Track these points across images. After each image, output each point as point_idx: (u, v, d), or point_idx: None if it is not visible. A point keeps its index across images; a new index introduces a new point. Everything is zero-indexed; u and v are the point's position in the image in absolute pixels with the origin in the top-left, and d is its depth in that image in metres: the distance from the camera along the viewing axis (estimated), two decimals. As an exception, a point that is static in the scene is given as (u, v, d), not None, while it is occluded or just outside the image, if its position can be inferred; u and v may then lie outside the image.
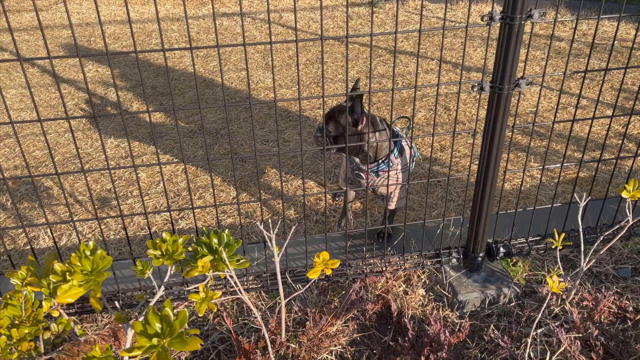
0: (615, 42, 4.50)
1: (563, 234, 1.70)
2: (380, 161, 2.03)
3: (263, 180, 2.87)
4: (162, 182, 1.54)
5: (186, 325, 1.86)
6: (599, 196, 2.54)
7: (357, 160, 2.08)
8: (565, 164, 1.89)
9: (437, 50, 4.62)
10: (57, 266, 1.36)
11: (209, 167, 1.76)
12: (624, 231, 1.69)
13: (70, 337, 1.59)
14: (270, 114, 3.61)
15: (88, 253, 1.40)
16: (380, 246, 2.14)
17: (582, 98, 3.62)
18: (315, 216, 2.55)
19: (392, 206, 2.17)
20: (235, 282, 1.49)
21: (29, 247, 2.43)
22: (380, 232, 2.21)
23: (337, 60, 4.55)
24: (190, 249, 1.50)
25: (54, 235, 2.51)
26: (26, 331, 1.36)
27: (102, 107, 3.87)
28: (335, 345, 1.73)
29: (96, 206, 2.70)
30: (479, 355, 1.71)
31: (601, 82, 2.16)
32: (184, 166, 1.56)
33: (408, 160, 2.10)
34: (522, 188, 2.69)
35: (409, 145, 2.07)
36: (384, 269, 1.95)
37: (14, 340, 1.35)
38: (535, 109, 3.36)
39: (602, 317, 1.78)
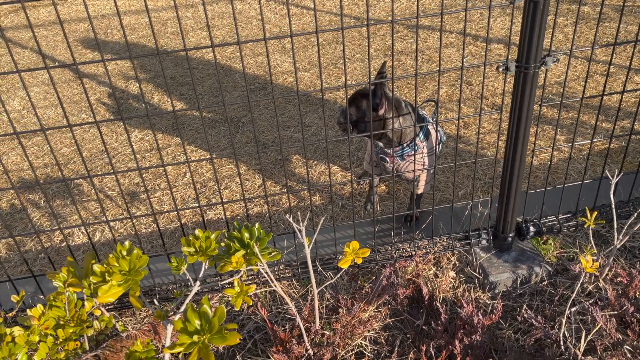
0: (642, 3, 4.34)
1: (595, 212, 1.67)
2: (405, 145, 2.02)
3: (287, 167, 2.88)
4: (190, 175, 1.56)
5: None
6: (631, 168, 2.49)
7: (380, 144, 2.07)
8: (595, 140, 1.85)
9: (456, 22, 4.52)
10: (96, 267, 1.40)
11: (234, 157, 1.77)
12: (659, 206, 1.66)
13: (112, 333, 1.64)
14: (290, 99, 3.60)
15: (125, 253, 1.44)
16: (409, 230, 2.14)
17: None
18: (340, 201, 2.56)
19: (419, 190, 2.16)
20: (268, 274, 1.51)
21: (64, 244, 2.50)
22: (407, 216, 2.21)
23: (354, 39, 4.49)
24: (222, 243, 1.53)
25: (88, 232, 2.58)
26: (71, 331, 1.42)
27: (125, 101, 3.92)
28: (369, 331, 1.76)
29: (126, 201, 2.76)
30: (513, 335, 1.72)
31: (632, 51, 2.09)
32: (210, 159, 1.57)
33: (434, 144, 2.08)
34: (551, 163, 2.65)
35: (436, 128, 2.05)
36: (413, 253, 1.96)
37: (60, 340, 1.40)
38: (561, 79, 3.28)
39: (638, 293, 1.76)
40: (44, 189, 2.02)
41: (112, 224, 2.59)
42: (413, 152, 1.94)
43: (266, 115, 3.45)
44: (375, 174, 2.23)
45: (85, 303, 1.46)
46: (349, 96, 1.97)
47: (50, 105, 3.99)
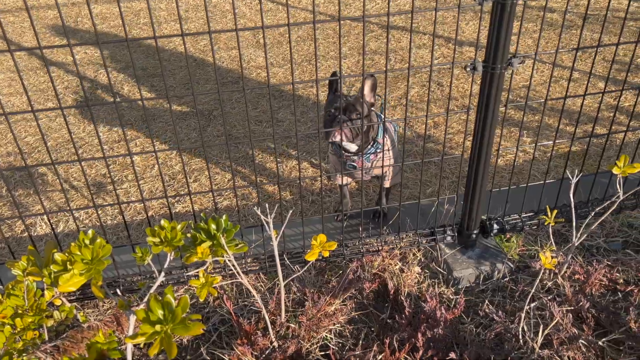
0: (608, 12, 4.48)
1: (556, 211, 1.72)
2: (369, 146, 2.04)
3: (258, 162, 2.88)
4: (157, 167, 1.54)
5: (188, 309, 1.89)
6: (591, 170, 2.57)
7: (351, 147, 2.04)
8: (558, 141, 1.91)
9: (429, 24, 4.58)
10: (58, 256, 1.38)
11: (203, 150, 1.76)
12: (615, 206, 1.72)
13: (73, 324, 1.62)
14: (263, 94, 3.59)
15: (88, 242, 1.42)
16: (376, 226, 2.17)
17: (574, 71, 3.62)
18: (311, 197, 2.57)
19: (388, 184, 2.19)
20: (234, 266, 1.51)
21: (26, 234, 2.44)
22: (376, 212, 2.24)
23: (329, 37, 4.50)
24: (189, 234, 1.52)
25: (52, 222, 2.52)
26: (30, 320, 1.39)
27: (93, 91, 3.84)
28: (334, 324, 1.77)
29: (92, 191, 2.70)
30: (474, 330, 1.76)
31: (593, 55, 2.17)
32: (178, 150, 1.56)
33: (394, 137, 2.12)
34: (515, 163, 2.72)
35: (380, 121, 2.09)
36: (380, 248, 1.98)
37: (18, 330, 1.37)
38: (527, 83, 3.35)
39: (594, 289, 1.83)
40: (5, 176, 1.97)
41: (77, 215, 2.54)
42: (377, 150, 1.98)
43: (238, 109, 3.43)
44: (345, 182, 2.25)
45: (45, 292, 1.43)
46: (344, 103, 1.97)
47: (15, 93, 3.88)
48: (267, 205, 1.49)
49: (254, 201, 2.56)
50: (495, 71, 1.61)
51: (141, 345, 1.65)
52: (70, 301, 1.88)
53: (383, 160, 1.84)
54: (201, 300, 1.52)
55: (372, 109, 2.05)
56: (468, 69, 1.63)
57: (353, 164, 2.07)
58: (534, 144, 1.84)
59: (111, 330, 1.53)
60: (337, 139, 1.93)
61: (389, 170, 2.15)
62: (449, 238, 2.01)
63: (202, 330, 1.23)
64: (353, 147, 2.04)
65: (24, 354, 1.39)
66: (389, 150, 2.08)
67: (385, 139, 2.07)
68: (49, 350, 1.44)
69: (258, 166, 2.84)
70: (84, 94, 1.41)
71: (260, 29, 1.37)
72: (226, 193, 2.62)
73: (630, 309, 1.70)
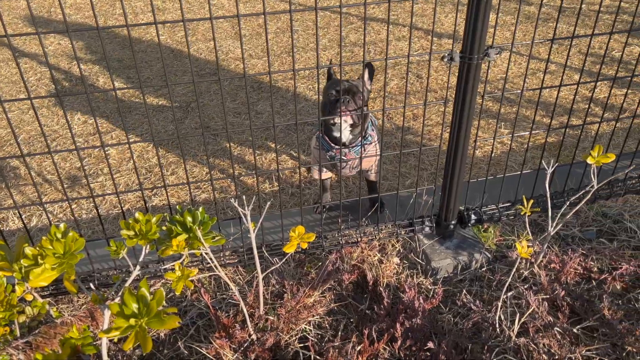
0: (583, 5, 4.53)
1: (532, 200, 1.74)
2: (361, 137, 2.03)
3: (237, 154, 2.85)
4: (132, 160, 1.51)
5: (164, 303, 1.87)
6: (567, 161, 2.61)
7: (345, 137, 2.01)
8: (534, 132, 1.93)
9: (409, 16, 4.58)
10: (28, 250, 1.34)
11: (179, 143, 1.74)
12: (590, 195, 1.75)
13: (46, 320, 1.58)
14: (242, 85, 3.56)
15: (59, 236, 1.39)
16: (355, 217, 2.16)
17: (550, 63, 3.66)
18: (290, 189, 2.56)
19: (374, 177, 2.18)
20: (211, 259, 1.49)
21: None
22: (373, 204, 2.19)
23: (309, 28, 4.48)
24: (164, 227, 1.49)
25: (24, 216, 2.47)
26: (0, 316, 1.35)
27: (67, 82, 3.75)
28: (313, 316, 1.77)
29: (66, 185, 2.65)
30: (452, 319, 1.77)
31: (569, 47, 2.19)
32: (152, 141, 1.53)
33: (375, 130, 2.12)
34: (493, 155, 2.74)
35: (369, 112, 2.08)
36: (359, 239, 1.98)
37: (-12, 326, 1.33)
38: (505, 75, 3.38)
39: (569, 278, 1.85)
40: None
41: (50, 209, 2.48)
42: (366, 143, 1.97)
43: (217, 101, 3.39)
44: (326, 176, 2.22)
45: (16, 287, 1.39)
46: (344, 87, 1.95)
47: (-15, 85, 3.77)
48: (244, 197, 1.47)
49: (233, 194, 2.53)
50: (472, 62, 1.61)
51: (115, 340, 1.62)
52: (43, 296, 1.84)
53: (378, 156, 1.83)
54: (177, 293, 1.50)
55: None
56: (445, 60, 1.62)
57: (343, 157, 2.03)
58: (510, 135, 1.85)
59: (85, 326, 1.50)
60: (342, 120, 1.91)
61: (374, 164, 2.14)
62: (427, 229, 2.02)
63: (178, 323, 1.22)
64: (347, 135, 2.01)
65: (-6, 351, 1.36)
66: (376, 143, 2.08)
67: (374, 131, 2.07)
68: (20, 347, 1.41)
69: (237, 158, 2.81)
70: (54, 84, 1.37)
71: (236, 18, 1.35)
72: (204, 186, 2.59)
73: (604, 296, 1.73)
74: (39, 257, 1.33)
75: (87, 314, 1.67)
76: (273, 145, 2.91)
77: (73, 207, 2.48)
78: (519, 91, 1.76)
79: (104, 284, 1.86)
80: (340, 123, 1.81)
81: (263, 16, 1.29)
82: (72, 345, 1.48)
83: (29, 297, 1.43)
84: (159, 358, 1.67)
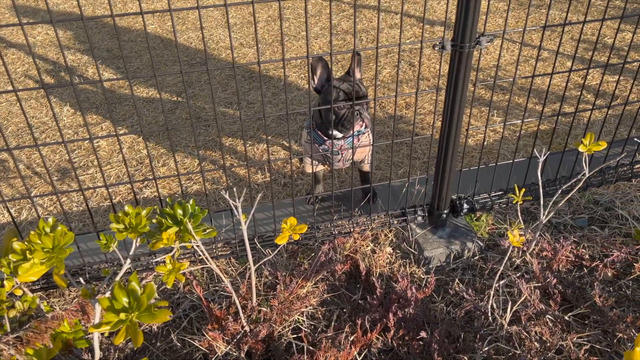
0: (576, -8, 4.51)
1: (524, 189, 1.74)
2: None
3: (228, 145, 2.83)
4: (121, 153, 1.49)
5: (156, 295, 1.86)
6: (559, 148, 2.61)
7: (338, 132, 1.99)
8: (526, 120, 1.92)
9: (402, 3, 4.55)
10: (17, 245, 1.33)
11: (168, 134, 1.72)
12: (581, 183, 1.75)
13: (37, 314, 1.57)
14: (233, 75, 3.52)
15: (48, 230, 1.37)
16: (348, 208, 2.16)
17: (543, 50, 3.65)
18: (282, 180, 2.55)
19: (368, 167, 2.16)
20: (202, 252, 1.48)
21: (-12, 223, 2.36)
22: (366, 194, 2.19)
23: (300, 16, 4.43)
24: (154, 220, 1.48)
25: (14, 210, 2.44)
26: (-11, 312, 1.34)
27: (56, 73, 3.70)
28: (306, 307, 1.77)
29: (56, 177, 2.62)
30: (445, 308, 1.78)
31: (561, 34, 2.18)
32: (141, 132, 1.51)
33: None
34: (485, 143, 2.73)
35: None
36: (351, 229, 1.97)
37: (-23, 322, 1.32)
38: (497, 62, 3.38)
39: (561, 266, 1.86)
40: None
41: (40, 202, 2.46)
42: (359, 134, 1.96)
43: (207, 91, 3.36)
44: (318, 169, 2.20)
45: (5, 283, 1.38)
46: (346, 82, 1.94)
47: (-28, 76, 3.72)
48: (235, 189, 1.46)
49: (225, 185, 2.52)
50: (463, 50, 1.60)
51: (106, 334, 1.61)
52: (34, 290, 1.83)
53: (370, 146, 1.81)
54: (169, 286, 1.49)
55: None
56: (437, 48, 1.61)
57: (335, 149, 2.02)
58: (503, 123, 1.84)
59: (77, 320, 1.49)
60: (356, 128, 1.93)
61: (368, 154, 2.12)
62: (419, 218, 2.02)
63: (169, 317, 1.21)
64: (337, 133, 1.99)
65: (-16, 347, 1.35)
66: (369, 133, 2.05)
67: (367, 119, 2.04)
68: (11, 342, 1.40)
69: (229, 149, 2.79)
70: (39, 76, 1.35)
71: (224, 6, 1.33)
72: (196, 178, 2.58)
73: (595, 284, 1.74)
74: (27, 251, 1.32)
75: (78, 308, 1.66)
76: (264, 136, 2.89)
77: (63, 199, 2.46)
78: (511, 79, 1.75)
79: (95, 277, 1.84)
80: (353, 134, 1.83)
81: (252, 5, 1.27)
82: (63, 340, 1.47)
83: (19, 292, 1.42)
84: (152, 351, 1.67)
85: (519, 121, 1.93)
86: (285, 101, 2.00)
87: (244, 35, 4.13)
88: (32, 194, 2.47)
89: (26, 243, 1.33)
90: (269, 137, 2.86)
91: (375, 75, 1.63)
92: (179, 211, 1.46)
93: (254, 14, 1.34)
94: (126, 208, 1.43)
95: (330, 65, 1.68)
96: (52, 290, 1.89)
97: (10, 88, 3.52)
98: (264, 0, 1.34)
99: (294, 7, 4.59)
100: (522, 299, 1.69)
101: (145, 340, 1.71)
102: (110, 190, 1.63)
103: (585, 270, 1.86)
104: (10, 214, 1.57)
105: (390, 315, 1.63)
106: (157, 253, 1.88)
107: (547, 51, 3.64)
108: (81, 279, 1.51)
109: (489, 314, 1.68)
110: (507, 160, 2.52)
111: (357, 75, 1.94)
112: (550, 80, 1.82)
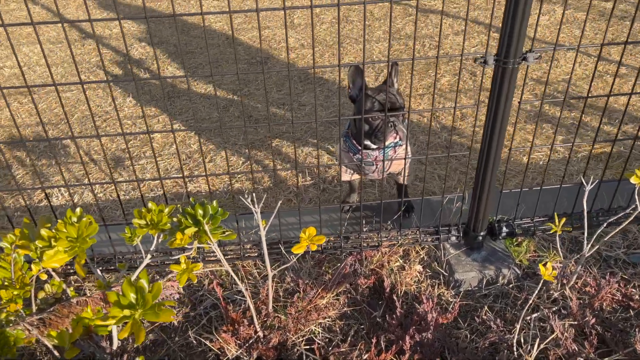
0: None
1: (565, 218, 1.61)
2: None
3: (274, 145, 2.85)
4: (175, 146, 1.53)
5: (181, 290, 1.90)
6: (616, 174, 2.40)
7: (372, 143, 1.97)
8: (597, 142, 1.77)
9: (472, 9, 4.38)
10: (44, 232, 1.39)
11: (221, 132, 1.73)
12: (632, 218, 1.59)
13: (66, 298, 1.65)
14: (290, 75, 3.54)
15: (74, 220, 1.43)
16: (383, 219, 2.10)
17: (622, 66, 3.38)
18: (322, 185, 2.52)
19: (406, 180, 2.07)
20: (217, 253, 1.49)
21: (42, 204, 2.52)
22: (403, 209, 2.13)
23: (366, 18, 4.38)
24: (175, 219, 1.51)
25: (67, 194, 2.59)
26: (15, 293, 1.42)
27: (125, 65, 3.89)
28: (324, 318, 1.74)
29: (110, 165, 2.75)
30: (469, 336, 1.68)
31: (599, 52, 1.99)
32: (195, 130, 1.54)
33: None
34: (541, 163, 2.57)
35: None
36: (379, 243, 1.92)
37: (4, 301, 1.40)
38: (567, 76, 3.16)
39: (604, 304, 1.71)
40: (29, 147, 2.02)
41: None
42: (396, 145, 1.90)
43: (263, 90, 3.40)
44: (354, 177, 2.15)
45: (32, 266, 1.45)
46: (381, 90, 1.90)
47: (52, 64, 3.98)
48: (254, 195, 1.45)
49: (265, 185, 2.53)
50: (507, 66, 1.50)
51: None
52: (68, 274, 1.92)
53: (409, 159, 1.75)
54: (181, 286, 1.51)
55: None
56: (478, 62, 1.52)
57: (369, 160, 1.96)
58: (567, 144, 1.70)
59: (99, 307, 1.55)
60: (390, 140, 1.88)
61: (406, 166, 2.04)
62: (453, 238, 1.93)
63: (172, 317, 1.22)
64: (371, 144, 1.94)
65: (10, 324, 1.43)
66: (407, 145, 1.98)
67: (402, 132, 1.97)
68: (35, 323, 1.47)
69: (274, 149, 2.81)
70: (104, 71, 1.41)
71: (281, 10, 1.32)
72: (239, 175, 2.61)
73: (641, 328, 1.58)
74: (52, 239, 1.38)
75: (101, 296, 1.72)
76: (311, 140, 2.88)
77: (111, 188, 2.58)
78: (563, 98, 1.63)
79: (130, 267, 1.91)
80: (384, 147, 1.78)
81: (311, 9, 1.26)
82: (85, 325, 1.53)
83: (44, 277, 1.49)
84: (169, 345, 1.70)
85: (569, 145, 1.78)
86: (336, 104, 1.97)
87: (307, 36, 4.14)
88: (86, 181, 2.60)
89: (53, 230, 1.39)
90: (314, 141, 2.84)
91: (434, 85, 1.56)
92: (200, 212, 1.47)
93: (312, 18, 1.32)
94: (149, 204, 1.46)
95: (363, 75, 1.63)
96: (89, 275, 1.98)
97: (84, 77, 3.74)
98: (322, 6, 1.32)
99: (359, 10, 4.55)
100: (553, 336, 1.57)
101: (164, 334, 1.75)
102: (158, 182, 1.67)
103: (632, 313, 1.69)
104: (48, 200, 1.66)
105: (407, 337, 1.56)
106: (177, 251, 1.91)
107: (625, 67, 3.36)
108: (98, 271, 1.56)
109: (515, 349, 1.57)
110: (568, 183, 2.36)
111: (395, 85, 1.88)
112: (629, 100, 1.66)
